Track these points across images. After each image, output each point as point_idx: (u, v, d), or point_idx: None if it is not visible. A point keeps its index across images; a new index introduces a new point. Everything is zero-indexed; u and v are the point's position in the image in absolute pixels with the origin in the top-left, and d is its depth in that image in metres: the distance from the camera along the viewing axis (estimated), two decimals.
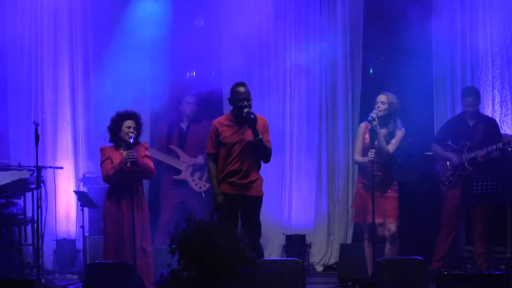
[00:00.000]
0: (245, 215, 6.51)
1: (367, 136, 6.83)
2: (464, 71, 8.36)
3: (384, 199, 6.82)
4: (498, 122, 7.91)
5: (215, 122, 6.52)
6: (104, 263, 6.37)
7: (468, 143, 7.57)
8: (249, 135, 6.38)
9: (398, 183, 6.99)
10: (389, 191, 6.87)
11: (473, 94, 7.69)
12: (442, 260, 7.63)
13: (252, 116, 6.27)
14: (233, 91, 6.43)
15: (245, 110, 6.31)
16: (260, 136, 6.32)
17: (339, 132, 8.61)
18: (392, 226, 6.82)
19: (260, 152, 6.42)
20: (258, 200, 6.50)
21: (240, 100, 6.35)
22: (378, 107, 6.81)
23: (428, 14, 8.38)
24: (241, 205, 6.46)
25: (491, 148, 7.40)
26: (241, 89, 6.39)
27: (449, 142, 7.70)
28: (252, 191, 6.44)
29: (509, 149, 7.33)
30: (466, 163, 7.54)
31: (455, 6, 8.37)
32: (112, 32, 8.65)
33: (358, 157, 6.98)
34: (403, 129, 6.92)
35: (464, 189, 7.58)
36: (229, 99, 6.48)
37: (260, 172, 6.52)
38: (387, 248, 6.86)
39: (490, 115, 8.20)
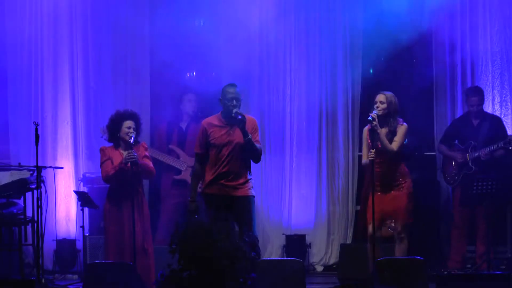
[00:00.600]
0: (237, 216, 6.50)
1: (368, 137, 6.80)
2: (464, 71, 8.37)
3: (390, 198, 6.79)
4: (501, 120, 7.92)
5: (204, 122, 6.54)
6: (104, 263, 6.36)
7: (473, 143, 7.59)
8: (239, 136, 6.37)
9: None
10: (399, 189, 6.82)
11: (478, 94, 7.76)
12: (459, 260, 7.63)
13: (240, 116, 6.28)
14: (223, 91, 6.48)
15: (234, 110, 6.32)
16: (250, 136, 6.32)
17: (339, 132, 8.61)
18: (396, 225, 6.80)
19: (250, 152, 6.41)
20: (248, 200, 6.48)
21: (229, 100, 6.37)
22: (377, 107, 6.78)
23: (429, 14, 8.38)
24: (231, 206, 6.44)
25: (493, 147, 7.42)
26: (231, 89, 6.43)
27: (456, 142, 7.73)
28: (242, 191, 6.43)
29: (510, 148, 7.34)
30: (470, 163, 7.56)
31: (455, 6, 8.36)
32: (112, 31, 8.64)
33: (364, 160, 6.93)
34: (405, 124, 6.87)
35: (464, 189, 7.59)
36: (219, 99, 6.51)
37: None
38: (395, 247, 6.84)
39: None
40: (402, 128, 6.81)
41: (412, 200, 6.83)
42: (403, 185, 6.83)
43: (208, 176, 6.46)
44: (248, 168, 6.50)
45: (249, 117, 6.53)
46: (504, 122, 7.92)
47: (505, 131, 7.76)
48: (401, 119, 6.86)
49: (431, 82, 8.47)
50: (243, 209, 6.43)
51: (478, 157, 7.52)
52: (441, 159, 8.03)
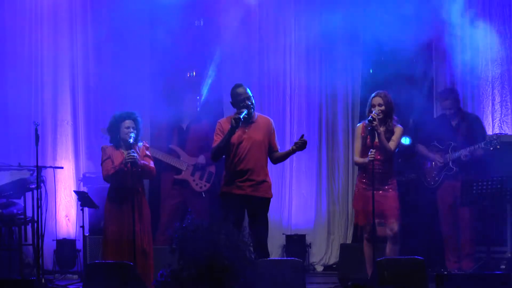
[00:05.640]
0: (252, 216, 6.55)
1: (368, 136, 6.80)
2: (464, 71, 8.37)
3: (384, 198, 6.80)
4: (480, 118, 7.96)
5: (221, 121, 6.65)
6: (104, 263, 6.35)
7: (452, 143, 7.61)
8: (255, 135, 6.44)
9: (397, 182, 6.99)
10: (390, 189, 6.84)
11: (450, 97, 7.77)
12: (456, 260, 7.64)
13: (241, 115, 6.32)
14: (233, 93, 6.54)
15: (243, 112, 6.37)
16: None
17: (339, 132, 8.61)
18: (393, 225, 6.81)
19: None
20: (265, 202, 6.55)
21: (242, 100, 6.43)
22: (376, 109, 6.77)
23: (428, 13, 8.38)
24: (248, 206, 6.50)
25: (474, 147, 7.44)
26: (241, 89, 6.48)
27: (435, 143, 7.72)
28: (259, 192, 6.48)
29: (491, 148, 7.35)
30: (450, 163, 7.58)
31: (456, 6, 8.36)
32: (112, 31, 8.64)
33: (358, 159, 6.95)
34: (400, 126, 6.89)
35: (450, 189, 7.60)
36: (231, 102, 6.55)
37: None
38: (388, 247, 6.84)
39: (490, 115, 8.22)
40: (399, 130, 6.85)
41: (399, 201, 6.87)
42: (394, 185, 6.85)
43: (226, 175, 6.53)
44: (265, 167, 6.55)
45: (265, 117, 6.67)
46: (483, 120, 7.97)
47: (484, 129, 7.80)
48: (396, 117, 6.87)
49: (431, 81, 8.47)
50: (258, 211, 6.50)
51: (459, 157, 7.53)
52: (420, 160, 7.97)
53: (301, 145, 6.43)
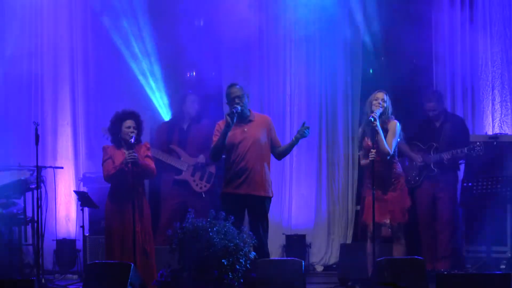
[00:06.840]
0: (252, 216, 6.56)
1: (366, 139, 6.78)
2: (464, 71, 8.37)
3: (388, 197, 6.78)
4: (464, 120, 8.00)
5: (219, 122, 6.69)
6: (104, 263, 6.36)
7: (435, 144, 7.64)
8: (253, 134, 6.45)
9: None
10: (395, 189, 6.80)
11: (434, 100, 7.82)
12: (429, 260, 7.63)
13: (235, 110, 6.38)
14: (226, 94, 6.65)
15: (236, 107, 6.41)
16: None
17: (339, 132, 8.61)
18: (394, 224, 6.79)
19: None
20: (266, 201, 6.56)
21: (232, 100, 6.53)
22: (379, 103, 6.75)
23: (429, 12, 8.39)
24: (248, 205, 6.51)
25: (457, 151, 7.51)
26: (232, 89, 6.60)
27: (417, 142, 7.74)
28: (260, 191, 6.48)
29: (474, 155, 7.39)
30: (432, 165, 7.61)
31: (456, 6, 8.36)
32: (112, 31, 8.64)
33: (363, 161, 6.93)
34: (395, 120, 6.84)
35: (430, 189, 7.66)
36: (226, 103, 6.60)
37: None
38: (394, 248, 6.84)
39: (490, 115, 8.22)
40: (392, 125, 6.77)
41: (407, 199, 6.84)
42: (397, 185, 6.82)
43: (226, 175, 6.56)
44: (266, 166, 6.56)
45: (262, 115, 6.75)
46: (466, 122, 8.02)
47: (467, 131, 7.85)
48: (392, 116, 6.84)
49: (431, 81, 8.47)
50: (259, 210, 6.52)
51: (441, 160, 7.56)
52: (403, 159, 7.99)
53: (303, 132, 6.42)
